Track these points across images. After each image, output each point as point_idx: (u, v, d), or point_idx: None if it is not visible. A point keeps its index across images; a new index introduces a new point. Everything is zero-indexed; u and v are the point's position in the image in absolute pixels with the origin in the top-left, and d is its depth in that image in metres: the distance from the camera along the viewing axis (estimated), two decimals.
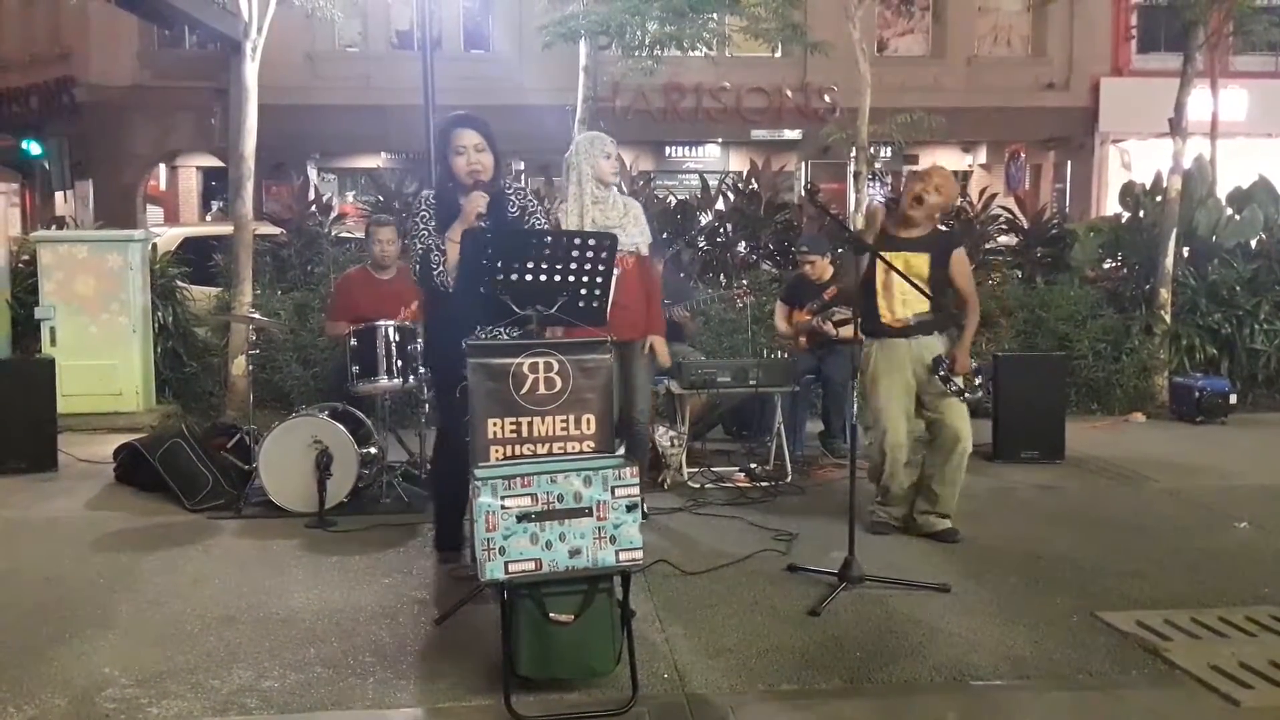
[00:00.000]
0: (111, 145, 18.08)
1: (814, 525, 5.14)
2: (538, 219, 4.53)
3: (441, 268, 4.26)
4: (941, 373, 4.89)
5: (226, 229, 8.57)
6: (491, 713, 3.20)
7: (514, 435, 3.80)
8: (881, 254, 4.71)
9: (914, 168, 20.07)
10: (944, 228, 5.16)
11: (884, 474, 5.00)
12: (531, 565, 3.23)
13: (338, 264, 8.29)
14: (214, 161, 19.17)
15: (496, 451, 3.80)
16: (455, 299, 4.01)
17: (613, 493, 3.29)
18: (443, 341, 4.39)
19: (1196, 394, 7.97)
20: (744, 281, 7.62)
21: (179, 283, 8.55)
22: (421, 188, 7.58)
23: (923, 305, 4.89)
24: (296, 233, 8.82)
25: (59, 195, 18.81)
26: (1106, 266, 9.41)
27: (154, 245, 8.52)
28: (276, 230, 9.01)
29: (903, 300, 4.90)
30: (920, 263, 4.91)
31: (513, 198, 4.50)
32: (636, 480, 3.34)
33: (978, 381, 5.02)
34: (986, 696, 3.37)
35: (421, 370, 5.53)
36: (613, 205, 5.06)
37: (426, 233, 4.30)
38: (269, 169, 12.51)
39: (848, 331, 6.22)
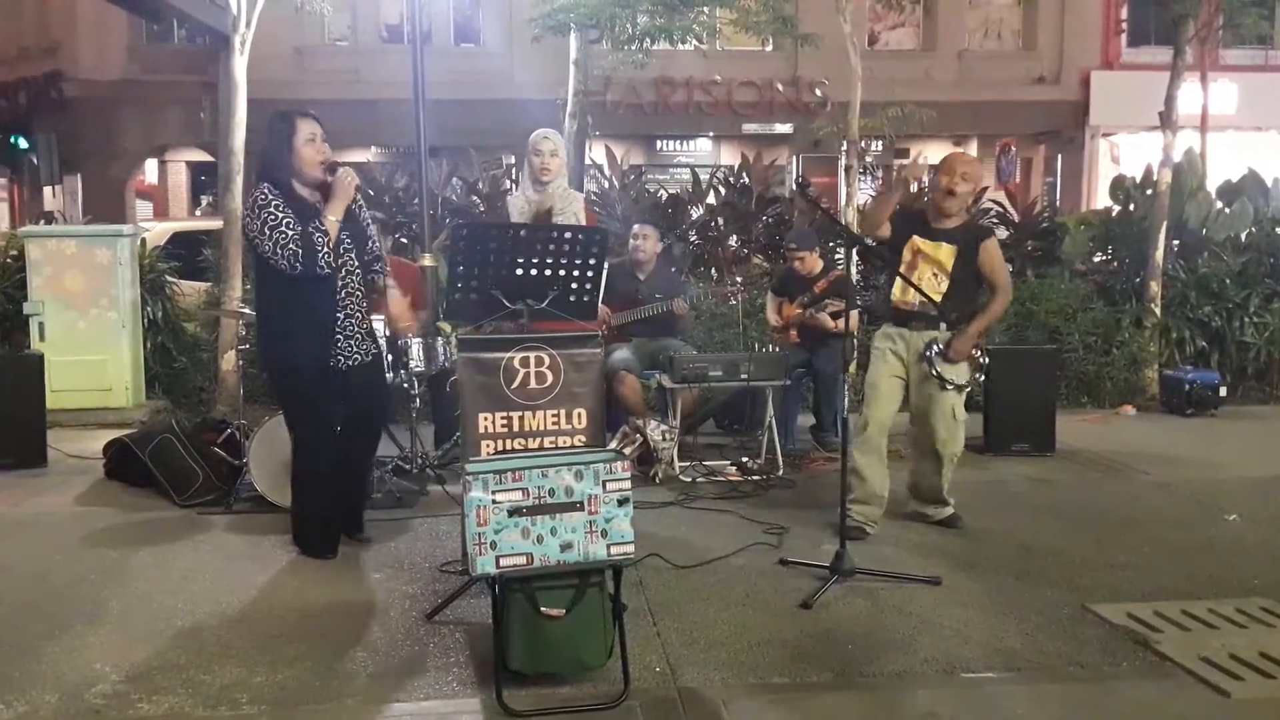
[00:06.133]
0: (100, 140, 18.02)
1: (805, 519, 5.15)
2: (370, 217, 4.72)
3: (325, 249, 4.24)
4: (930, 353, 4.81)
5: (216, 223, 8.54)
6: (484, 707, 3.20)
7: (505, 430, 3.81)
8: (915, 238, 4.84)
9: (902, 161, 20.14)
10: (983, 221, 5.16)
11: (860, 454, 4.89)
12: (523, 560, 3.22)
13: None
14: (203, 156, 19.10)
15: (487, 446, 3.81)
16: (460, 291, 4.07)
17: (604, 487, 3.29)
18: (302, 335, 4.36)
19: (1186, 387, 7.99)
20: (738, 279, 7.61)
21: (168, 278, 8.51)
22: (411, 182, 7.56)
23: (934, 296, 4.83)
24: None
25: (47, 190, 18.73)
26: (1097, 260, 9.43)
27: (143, 240, 8.49)
28: None
29: (920, 286, 4.84)
30: (945, 255, 4.89)
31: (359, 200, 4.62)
32: (628, 474, 3.34)
33: (978, 375, 4.94)
34: (977, 689, 3.38)
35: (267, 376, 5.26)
36: (549, 198, 5.21)
37: (290, 219, 4.22)
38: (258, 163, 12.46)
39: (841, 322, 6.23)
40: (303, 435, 4.55)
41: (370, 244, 4.60)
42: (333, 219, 4.29)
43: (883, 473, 4.95)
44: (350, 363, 4.45)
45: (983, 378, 5.02)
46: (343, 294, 4.41)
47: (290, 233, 4.20)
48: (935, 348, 4.82)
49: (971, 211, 5.09)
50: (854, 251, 7.02)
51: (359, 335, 4.48)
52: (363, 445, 4.78)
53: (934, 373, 4.81)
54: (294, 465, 4.67)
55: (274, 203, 4.24)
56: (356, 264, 4.48)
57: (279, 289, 4.36)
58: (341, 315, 4.41)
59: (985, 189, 5.15)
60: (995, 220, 9.60)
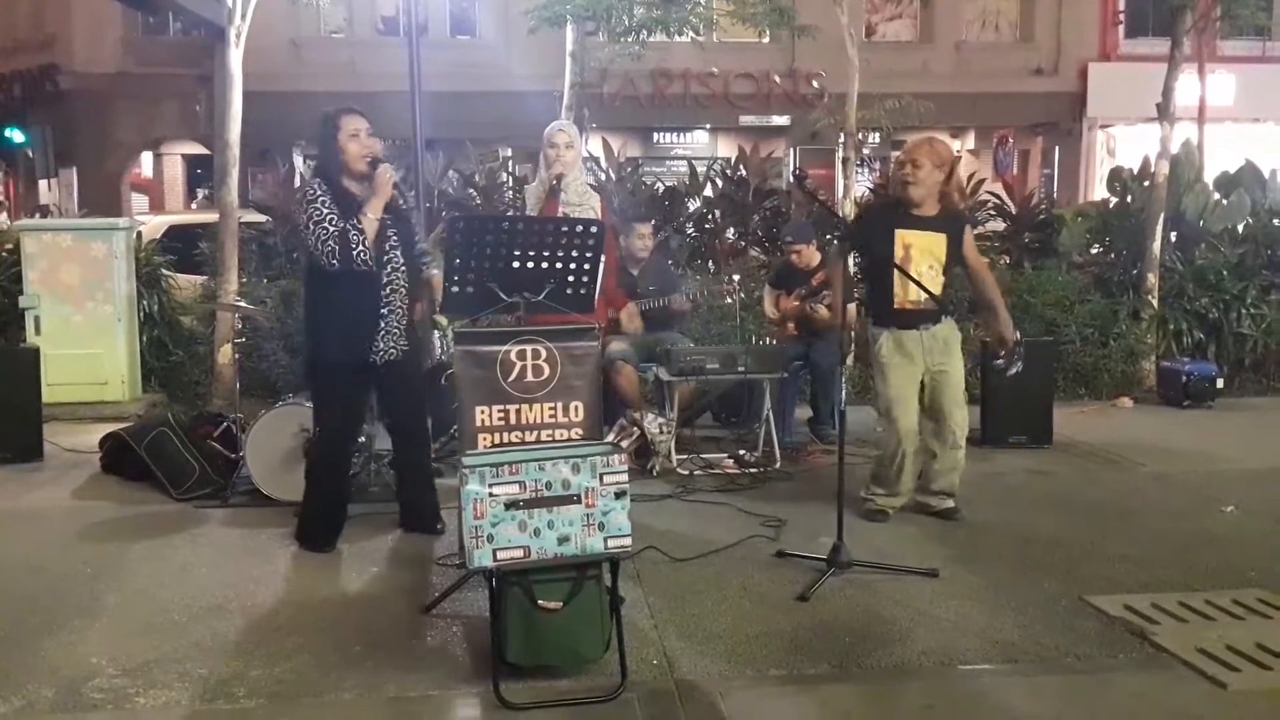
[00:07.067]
0: (96, 133, 17.97)
1: (803, 511, 5.13)
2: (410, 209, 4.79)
3: (362, 246, 4.32)
4: (999, 362, 5.16)
5: (212, 217, 8.51)
6: (481, 700, 3.20)
7: (502, 423, 3.79)
8: (898, 230, 4.82)
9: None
10: (962, 206, 5.29)
11: (894, 463, 4.96)
12: (520, 553, 3.22)
13: None
14: (199, 149, 19.06)
15: (484, 439, 3.80)
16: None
17: (601, 480, 3.28)
18: (343, 329, 4.44)
19: (1184, 378, 7.98)
20: (735, 278, 7.59)
21: (164, 271, 8.49)
22: (408, 174, 7.55)
23: (935, 288, 4.80)
24: (282, 220, 8.76)
25: (43, 183, 18.68)
26: (1094, 252, 9.42)
27: (139, 233, 8.47)
28: (262, 218, 8.96)
29: (921, 282, 4.80)
30: (937, 243, 4.86)
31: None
32: (625, 467, 3.33)
33: (1019, 348, 5.16)
34: (974, 681, 3.38)
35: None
36: (569, 192, 5.24)
37: (333, 215, 4.32)
38: (254, 156, 12.44)
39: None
40: (325, 426, 4.63)
41: (417, 241, 4.71)
42: (370, 216, 4.35)
43: (914, 473, 5.05)
44: (387, 357, 4.51)
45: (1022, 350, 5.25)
46: (387, 290, 4.48)
47: (331, 229, 4.30)
48: (999, 361, 5.18)
49: (947, 193, 4.96)
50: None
51: (396, 331, 4.53)
52: (412, 441, 4.81)
53: (1010, 371, 5.19)
54: (308, 456, 4.78)
55: (320, 198, 4.34)
56: (403, 261, 4.52)
57: (325, 282, 4.45)
58: (385, 310, 4.48)
59: (956, 161, 5.02)
60: (993, 212, 9.60)
